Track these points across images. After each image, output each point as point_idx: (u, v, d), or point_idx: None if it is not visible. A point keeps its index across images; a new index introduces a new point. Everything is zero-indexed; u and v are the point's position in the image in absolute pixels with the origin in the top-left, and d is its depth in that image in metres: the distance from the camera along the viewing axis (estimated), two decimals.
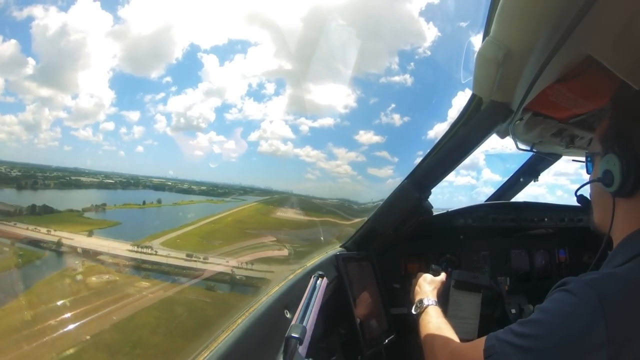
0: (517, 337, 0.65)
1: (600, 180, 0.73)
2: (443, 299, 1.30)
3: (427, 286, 1.25)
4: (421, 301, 1.16)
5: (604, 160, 0.73)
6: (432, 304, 1.15)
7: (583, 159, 0.86)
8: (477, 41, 0.93)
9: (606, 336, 0.55)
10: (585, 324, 0.57)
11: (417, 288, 1.28)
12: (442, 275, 1.33)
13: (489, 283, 1.45)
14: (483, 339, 0.71)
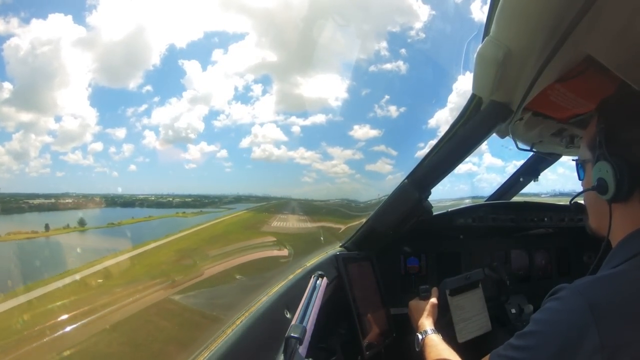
0: (515, 351, 0.66)
1: (594, 188, 0.73)
2: (443, 310, 1.30)
3: (419, 317, 1.24)
4: (417, 338, 1.16)
5: (595, 167, 0.73)
6: (428, 334, 1.14)
7: None
8: (476, 41, 0.93)
9: (599, 342, 0.56)
10: (577, 331, 0.58)
11: (411, 319, 1.28)
12: (433, 293, 1.31)
13: (484, 276, 1.44)
14: (486, 358, 0.72)
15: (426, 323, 1.20)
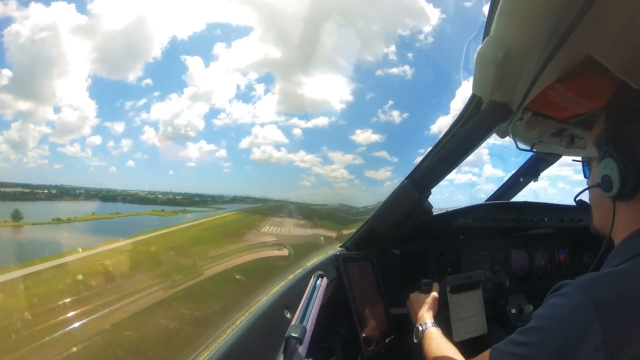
0: (517, 347, 0.65)
1: (599, 185, 0.74)
2: (442, 307, 1.30)
3: (420, 309, 1.24)
4: (417, 329, 1.16)
5: (601, 165, 0.73)
6: (429, 327, 1.14)
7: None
8: (476, 41, 0.93)
9: (602, 338, 0.55)
10: (580, 327, 0.58)
11: (411, 312, 1.28)
12: (434, 288, 1.32)
13: (484, 277, 1.45)
14: (487, 352, 0.72)
15: (426, 316, 1.20)
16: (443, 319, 1.29)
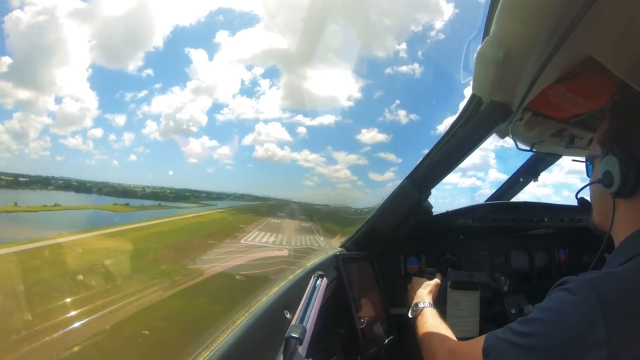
0: (516, 336, 0.65)
1: (600, 181, 0.74)
2: (440, 300, 1.32)
3: (422, 290, 1.27)
4: (416, 305, 1.19)
5: (603, 161, 0.74)
6: (428, 306, 1.17)
7: (583, 159, 0.87)
8: (476, 41, 0.93)
9: (605, 335, 0.55)
10: (584, 322, 0.58)
11: (411, 292, 1.31)
12: (437, 277, 1.35)
13: (485, 280, 1.46)
14: (482, 337, 0.71)
15: (426, 296, 1.23)
16: (439, 313, 1.31)
